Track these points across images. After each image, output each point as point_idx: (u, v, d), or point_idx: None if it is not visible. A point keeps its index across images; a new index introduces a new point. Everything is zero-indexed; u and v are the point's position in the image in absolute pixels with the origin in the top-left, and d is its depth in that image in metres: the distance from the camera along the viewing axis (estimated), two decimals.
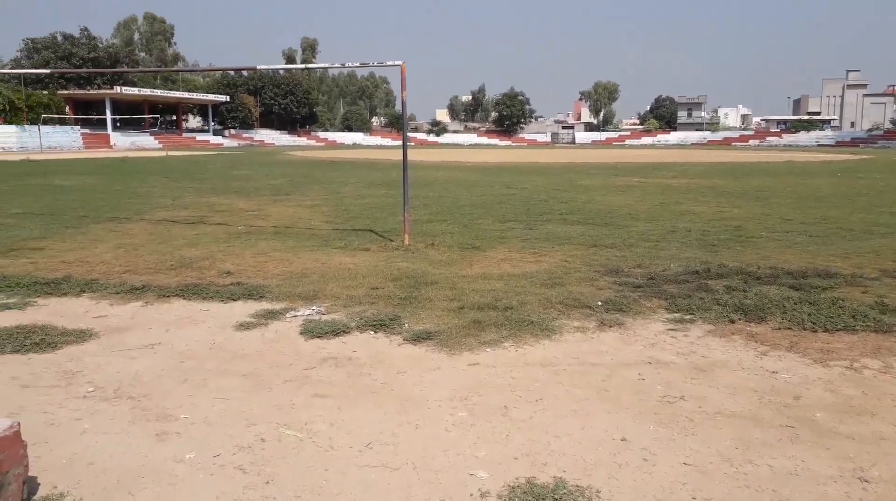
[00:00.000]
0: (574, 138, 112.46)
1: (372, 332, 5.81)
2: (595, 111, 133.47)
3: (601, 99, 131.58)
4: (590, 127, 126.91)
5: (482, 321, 6.06)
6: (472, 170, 33.49)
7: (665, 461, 3.61)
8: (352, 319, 6.14)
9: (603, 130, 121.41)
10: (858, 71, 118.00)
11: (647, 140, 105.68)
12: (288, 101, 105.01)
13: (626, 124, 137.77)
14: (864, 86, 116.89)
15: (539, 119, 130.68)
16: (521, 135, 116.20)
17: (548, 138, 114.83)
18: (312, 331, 5.79)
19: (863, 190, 20.86)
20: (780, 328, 5.94)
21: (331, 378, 4.79)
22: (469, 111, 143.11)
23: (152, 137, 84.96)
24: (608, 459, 3.63)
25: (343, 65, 12.84)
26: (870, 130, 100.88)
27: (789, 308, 6.44)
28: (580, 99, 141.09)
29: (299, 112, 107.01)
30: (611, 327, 6.03)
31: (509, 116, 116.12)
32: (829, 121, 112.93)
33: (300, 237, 11.02)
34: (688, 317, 6.29)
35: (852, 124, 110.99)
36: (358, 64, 12.19)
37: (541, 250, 9.81)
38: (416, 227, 11.62)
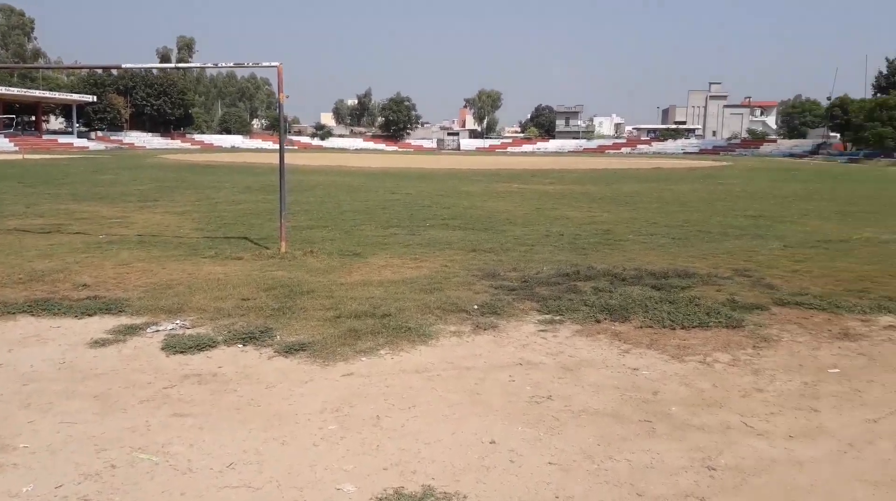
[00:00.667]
0: (459, 145, 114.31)
1: (240, 345, 5.58)
2: (479, 118, 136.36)
3: (485, 106, 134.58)
4: (474, 134, 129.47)
5: (359, 329, 5.98)
6: (356, 175, 33.24)
7: (531, 461, 3.68)
8: (219, 332, 5.87)
9: (487, 137, 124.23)
10: (720, 83, 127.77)
11: (527, 147, 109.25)
12: (161, 101, 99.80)
13: (509, 132, 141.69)
14: (725, 97, 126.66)
15: (425, 125, 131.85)
16: (407, 140, 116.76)
17: (434, 144, 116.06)
18: (175, 346, 5.48)
19: (721, 195, 22.52)
20: (641, 327, 6.26)
21: (192, 396, 4.54)
22: (355, 116, 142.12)
23: (6, 139, 78.09)
24: (476, 463, 3.66)
25: (216, 65, 12.49)
26: (729, 138, 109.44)
27: (651, 307, 6.81)
28: (465, 106, 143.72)
29: (173, 113, 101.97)
30: (485, 330, 6.12)
31: (396, 121, 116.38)
32: (693, 130, 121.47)
33: (167, 246, 10.45)
34: (558, 318, 6.50)
35: (714, 133, 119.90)
36: (232, 64, 11.84)
37: (422, 255, 9.84)
38: (295, 234, 11.35)
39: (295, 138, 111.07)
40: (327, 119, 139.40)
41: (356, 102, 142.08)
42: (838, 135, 79.61)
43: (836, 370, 5.23)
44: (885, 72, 71.76)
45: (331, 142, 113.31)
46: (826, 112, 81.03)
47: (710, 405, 4.50)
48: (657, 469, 3.62)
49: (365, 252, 10.03)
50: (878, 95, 70.24)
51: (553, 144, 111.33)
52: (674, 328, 6.21)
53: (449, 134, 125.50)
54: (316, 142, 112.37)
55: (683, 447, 3.87)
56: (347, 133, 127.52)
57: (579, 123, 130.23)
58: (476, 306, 6.83)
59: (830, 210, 17.56)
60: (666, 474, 3.56)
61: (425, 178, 31.27)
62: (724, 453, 3.81)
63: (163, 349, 5.47)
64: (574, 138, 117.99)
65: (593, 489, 3.41)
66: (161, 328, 5.99)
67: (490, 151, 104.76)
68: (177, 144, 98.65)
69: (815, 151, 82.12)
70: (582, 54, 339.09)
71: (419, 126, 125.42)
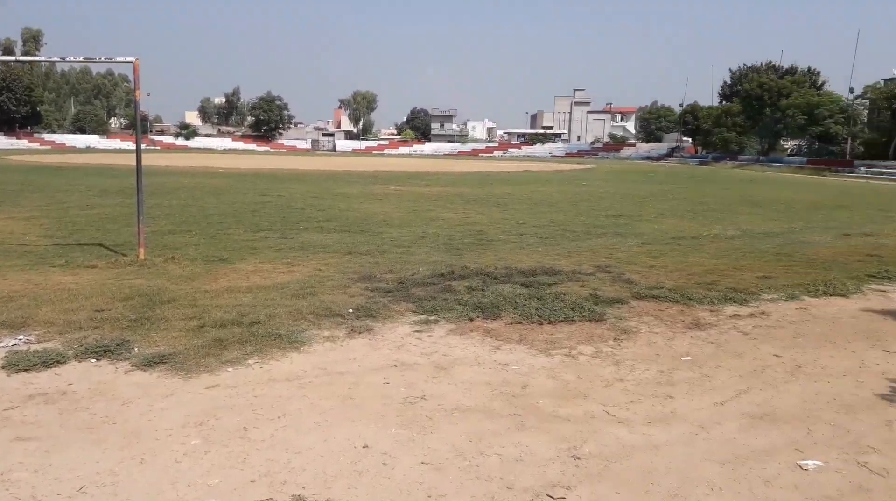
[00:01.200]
0: (335, 146, 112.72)
1: (93, 360, 5.18)
2: (355, 120, 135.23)
3: (360, 108, 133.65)
4: (350, 135, 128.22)
5: (225, 338, 5.72)
6: (224, 176, 31.90)
7: (404, 462, 3.68)
8: (69, 347, 5.42)
9: (363, 139, 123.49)
10: (583, 90, 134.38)
11: (404, 150, 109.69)
12: (4, 98, 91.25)
13: (385, 134, 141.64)
14: (588, 103, 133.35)
15: (299, 125, 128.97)
16: (280, 141, 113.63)
17: (308, 145, 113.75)
18: (18, 364, 4.99)
19: (585, 196, 23.67)
20: (512, 323, 6.44)
21: (38, 418, 4.16)
22: (223, 114, 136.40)
23: None
24: (349, 468, 3.60)
25: (64, 59, 11.43)
26: (592, 142, 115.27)
27: (520, 304, 7.03)
28: (340, 107, 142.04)
29: (19, 111, 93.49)
30: (360, 333, 6.06)
31: (267, 121, 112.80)
32: (560, 134, 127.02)
33: (10, 255, 9.54)
34: (432, 318, 6.56)
35: (579, 138, 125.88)
36: (83, 59, 10.91)
37: (294, 259, 9.60)
38: (155, 239, 10.71)
39: (157, 138, 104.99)
40: (193, 118, 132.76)
41: (224, 100, 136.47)
42: (690, 139, 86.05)
43: (689, 358, 5.62)
44: (728, 82, 78.36)
45: (196, 142, 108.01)
46: (679, 118, 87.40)
47: (575, 397, 4.69)
48: (526, 461, 3.72)
49: (232, 257, 9.63)
50: (724, 102, 76.57)
51: (429, 147, 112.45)
52: (541, 323, 6.44)
53: (324, 135, 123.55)
54: (180, 142, 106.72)
55: (550, 438, 4.01)
56: (214, 133, 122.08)
57: (454, 126, 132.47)
58: (351, 310, 6.74)
59: (683, 209, 18.93)
60: (534, 465, 3.67)
61: (299, 179, 30.59)
62: (588, 442, 3.98)
63: (3, 367, 4.98)
64: (449, 141, 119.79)
65: (465, 485, 3.45)
66: (1, 345, 5.44)
67: (366, 152, 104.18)
68: (23, 144, 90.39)
69: (669, 154, 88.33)
70: (455, 58, 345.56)
71: (292, 126, 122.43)
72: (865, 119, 57.86)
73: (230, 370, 5.05)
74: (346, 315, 6.57)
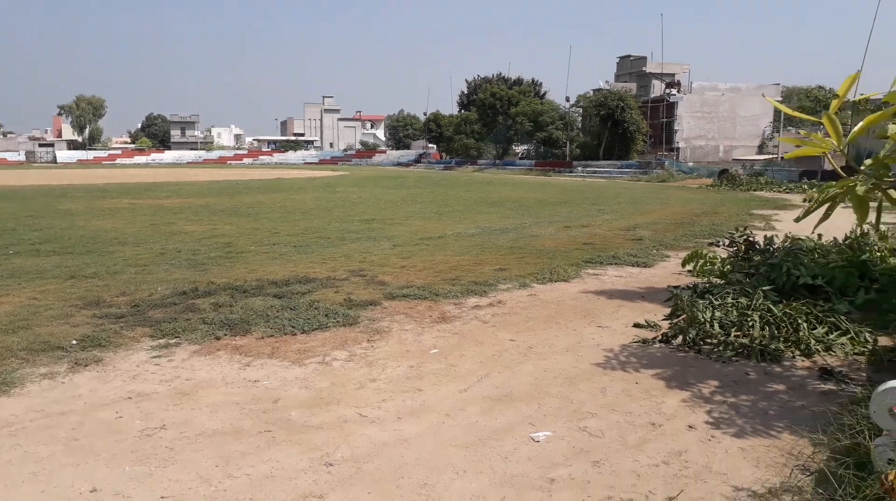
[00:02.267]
0: (55, 157, 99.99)
1: None
2: (79, 128, 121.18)
3: (85, 115, 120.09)
4: (74, 145, 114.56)
5: None
6: None
7: (140, 500, 3.35)
8: None
9: (90, 149, 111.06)
10: (332, 97, 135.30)
11: (140, 159, 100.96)
12: None
13: (117, 142, 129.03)
14: (338, 111, 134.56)
15: (9, 135, 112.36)
16: None
17: (22, 157, 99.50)
18: None
19: (339, 202, 23.80)
20: (263, 337, 6.23)
21: None
22: None
23: None
24: None
25: None
26: (345, 149, 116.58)
27: (272, 316, 6.83)
28: (60, 114, 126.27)
29: None
30: (86, 366, 5.41)
31: None
32: (312, 141, 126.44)
33: None
34: (173, 341, 6.09)
35: (331, 145, 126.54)
36: None
37: (1, 290, 8.29)
38: None
39: None
40: None
41: None
42: (435, 146, 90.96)
43: (436, 351, 5.90)
44: (466, 91, 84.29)
45: None
46: (424, 126, 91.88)
47: (328, 403, 4.66)
48: (277, 476, 3.61)
49: None
50: (462, 111, 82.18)
51: (170, 156, 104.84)
52: (295, 334, 6.32)
53: (41, 145, 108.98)
54: None
55: (302, 449, 3.94)
56: None
57: (197, 133, 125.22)
58: (75, 341, 6.00)
59: (431, 211, 19.91)
60: (285, 480, 3.57)
61: (9, 197, 26.58)
62: (340, 447, 3.97)
63: None
64: (193, 149, 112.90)
65: None
66: None
67: (95, 163, 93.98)
68: None
69: (418, 160, 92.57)
70: (196, 61, 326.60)
71: (0, 137, 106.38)
72: (580, 125, 66.01)
73: None
74: (69, 348, 5.84)
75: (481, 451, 3.92)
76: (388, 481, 3.57)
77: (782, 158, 41.37)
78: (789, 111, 2.22)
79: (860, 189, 2.00)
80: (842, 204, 3.52)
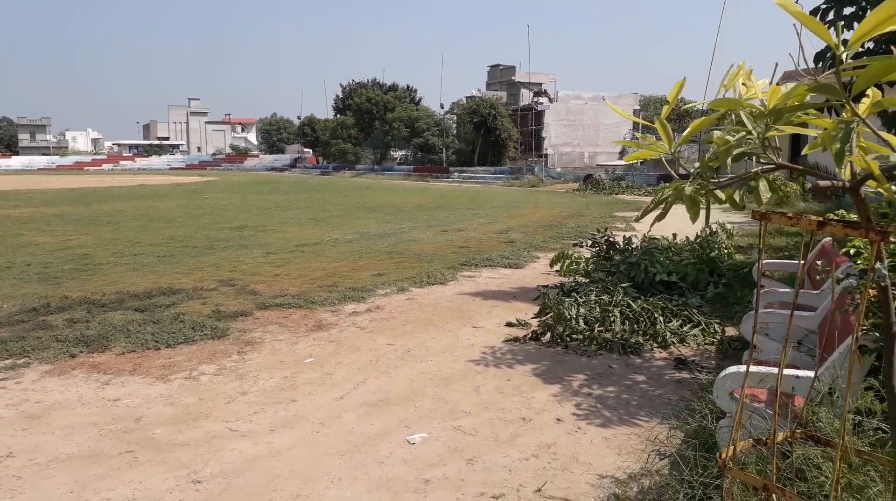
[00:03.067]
0: None
1: None
2: None
3: None
4: None
5: None
6: None
7: None
8: None
9: None
10: (199, 99, 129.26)
11: None
12: None
13: None
14: (206, 113, 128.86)
15: None
16: None
17: None
18: None
19: (208, 209, 22.80)
20: (124, 353, 5.87)
21: None
22: None
23: None
24: None
25: None
26: (214, 154, 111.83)
27: (133, 331, 6.45)
28: None
29: None
30: None
31: None
32: (178, 145, 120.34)
33: None
34: (21, 361, 5.61)
35: (199, 149, 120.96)
36: None
37: None
38: None
39: None
40: None
41: None
42: (311, 150, 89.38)
43: (311, 359, 5.81)
44: (341, 95, 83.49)
45: None
46: (298, 129, 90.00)
47: (195, 419, 4.47)
48: (139, 499, 3.42)
49: None
50: (338, 115, 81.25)
51: (18, 161, 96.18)
52: (158, 348, 6.01)
53: None
54: None
55: (168, 468, 3.75)
56: None
57: (49, 137, 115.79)
58: None
59: (307, 217, 19.54)
60: None
61: None
62: (209, 463, 3.82)
63: None
64: (45, 155, 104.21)
65: None
66: None
67: None
68: None
69: (293, 165, 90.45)
70: (44, 59, 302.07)
71: None
72: (455, 131, 67.27)
73: None
74: None
75: (357, 458, 3.91)
76: (259, 495, 3.48)
77: (641, 163, 44.24)
78: (630, 117, 2.42)
79: (688, 190, 2.19)
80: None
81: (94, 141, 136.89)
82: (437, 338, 6.50)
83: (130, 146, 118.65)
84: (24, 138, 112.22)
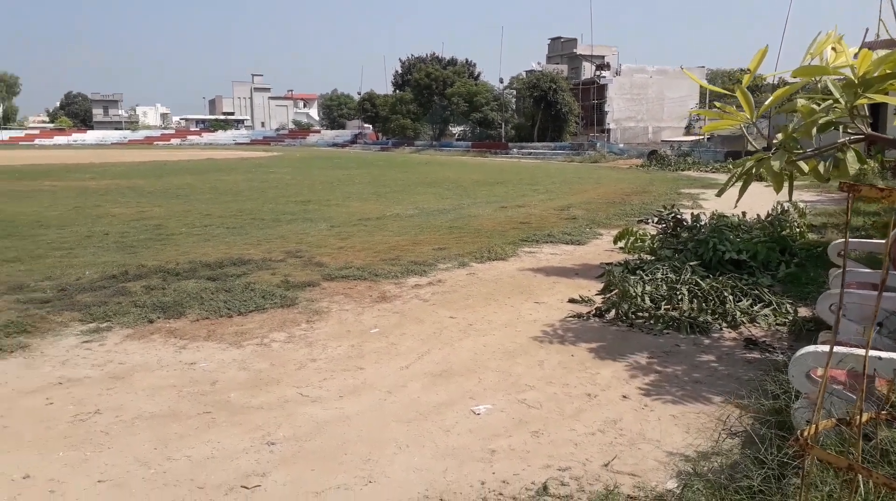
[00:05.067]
0: None
1: None
2: None
3: None
4: None
5: None
6: None
7: (76, 486, 3.27)
8: None
9: (5, 128, 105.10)
10: (262, 75, 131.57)
11: (61, 139, 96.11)
12: None
13: (35, 122, 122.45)
14: (268, 89, 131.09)
15: None
16: None
17: None
18: None
19: (273, 183, 23.33)
20: (198, 319, 6.11)
21: None
22: None
23: None
24: None
25: None
26: (278, 129, 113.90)
27: (206, 299, 6.69)
28: None
29: None
30: (12, 353, 5.21)
31: None
32: (242, 121, 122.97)
33: None
34: (104, 325, 5.91)
35: (263, 124, 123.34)
36: None
37: None
38: None
39: None
40: None
41: None
42: (371, 126, 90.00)
43: (377, 330, 5.92)
44: (400, 71, 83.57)
45: None
46: (358, 105, 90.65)
47: (267, 384, 4.63)
48: (217, 457, 3.58)
49: None
50: (397, 91, 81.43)
51: (93, 136, 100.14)
52: (231, 316, 6.22)
53: None
54: None
55: (243, 430, 3.91)
56: None
57: (121, 112, 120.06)
58: None
59: (368, 192, 19.77)
60: (226, 460, 3.55)
61: None
62: (282, 426, 3.96)
63: None
64: (117, 129, 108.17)
65: (151, 495, 3.20)
66: None
67: (11, 143, 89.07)
68: None
69: (353, 141, 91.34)
70: (117, 38, 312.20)
71: None
72: (514, 106, 66.54)
73: None
74: None
75: (423, 425, 3.98)
76: (330, 458, 3.59)
77: (708, 138, 42.87)
78: (709, 86, 2.33)
79: (775, 164, 2.11)
80: (764, 183, 3.69)
81: (163, 116, 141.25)
82: (499, 313, 6.51)
83: (197, 121, 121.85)
84: (97, 113, 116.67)
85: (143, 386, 4.57)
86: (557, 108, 53.98)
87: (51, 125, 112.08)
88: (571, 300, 6.87)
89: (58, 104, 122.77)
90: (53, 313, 6.26)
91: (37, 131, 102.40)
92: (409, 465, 3.51)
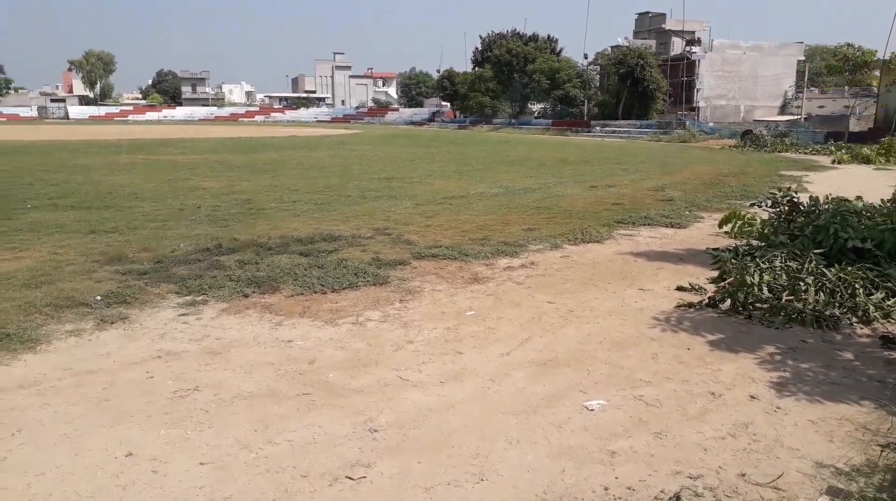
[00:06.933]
0: (67, 113, 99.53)
1: None
2: (90, 84, 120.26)
3: (95, 70, 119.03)
4: (86, 101, 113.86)
5: None
6: None
7: (178, 467, 3.17)
8: None
9: (101, 105, 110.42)
10: (343, 54, 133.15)
11: (152, 115, 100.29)
12: None
13: (128, 98, 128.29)
14: (349, 68, 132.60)
15: (20, 91, 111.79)
16: None
17: (34, 113, 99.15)
18: None
19: (356, 160, 23.42)
20: (293, 295, 6.01)
21: None
22: None
23: None
24: (110, 484, 3.01)
25: None
26: (357, 107, 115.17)
27: (300, 274, 6.60)
28: (70, 69, 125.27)
29: None
30: (113, 323, 5.23)
31: None
32: (323, 98, 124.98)
33: None
34: (200, 298, 5.89)
35: (343, 102, 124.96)
36: None
37: (22, 244, 8.12)
38: None
39: None
40: None
41: None
42: (449, 104, 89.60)
43: (472, 312, 5.67)
44: (480, 48, 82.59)
45: None
46: (437, 83, 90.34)
47: (366, 365, 4.45)
48: (320, 443, 3.41)
49: None
50: (476, 68, 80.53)
51: (181, 112, 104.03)
52: (325, 292, 6.10)
53: (53, 101, 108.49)
54: None
55: (344, 413, 3.73)
56: None
57: (208, 90, 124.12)
58: (99, 298, 5.81)
59: (450, 170, 19.53)
60: (329, 446, 3.37)
61: (24, 151, 26.41)
62: (384, 411, 3.77)
63: None
64: (204, 106, 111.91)
65: (253, 481, 3.06)
66: None
67: (107, 119, 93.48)
68: None
69: (431, 119, 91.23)
70: (204, 17, 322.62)
71: (12, 92, 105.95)
72: (598, 83, 64.65)
73: None
74: (94, 304, 5.65)
75: (533, 419, 3.70)
76: (437, 450, 3.36)
77: (806, 118, 40.41)
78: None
79: None
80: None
81: (248, 93, 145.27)
82: (601, 299, 6.14)
83: (280, 99, 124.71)
84: (186, 91, 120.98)
85: (240, 363, 4.48)
86: (644, 85, 52.03)
87: (143, 102, 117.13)
88: (680, 288, 6.41)
89: (150, 82, 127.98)
90: (151, 284, 6.30)
91: (130, 107, 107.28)
92: (523, 463, 3.24)
